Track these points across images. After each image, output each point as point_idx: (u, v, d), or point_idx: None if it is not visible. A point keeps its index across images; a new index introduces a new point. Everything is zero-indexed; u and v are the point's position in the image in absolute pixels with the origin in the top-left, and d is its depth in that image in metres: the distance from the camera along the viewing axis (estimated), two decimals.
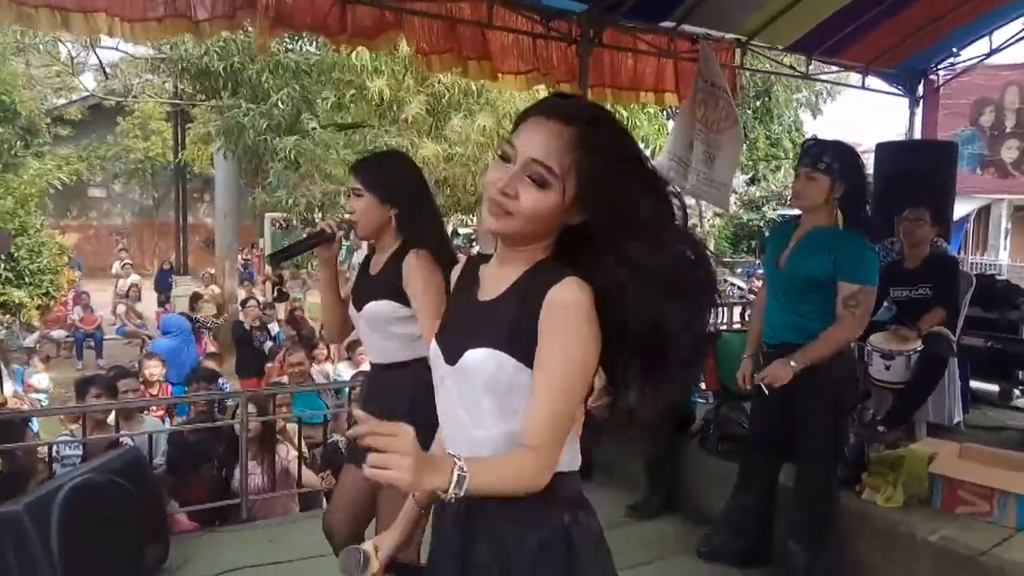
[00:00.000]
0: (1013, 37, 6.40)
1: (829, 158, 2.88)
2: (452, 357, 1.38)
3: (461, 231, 24.81)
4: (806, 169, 2.91)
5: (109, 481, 3.00)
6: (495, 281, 1.39)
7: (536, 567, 1.33)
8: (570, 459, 1.38)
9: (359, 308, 2.39)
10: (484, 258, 1.47)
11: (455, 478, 1.18)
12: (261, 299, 12.46)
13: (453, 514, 1.40)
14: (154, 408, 5.69)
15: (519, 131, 1.31)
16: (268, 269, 15.56)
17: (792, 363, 2.86)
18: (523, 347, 1.30)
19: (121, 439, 3.96)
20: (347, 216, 2.42)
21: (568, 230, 1.34)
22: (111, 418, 4.27)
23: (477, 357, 1.33)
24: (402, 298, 2.28)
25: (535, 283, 1.31)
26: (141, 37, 3.75)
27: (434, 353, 1.44)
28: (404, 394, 2.21)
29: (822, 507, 3.08)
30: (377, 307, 2.31)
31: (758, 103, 18.25)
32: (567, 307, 1.27)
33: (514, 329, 1.31)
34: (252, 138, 8.48)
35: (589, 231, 1.31)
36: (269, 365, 7.42)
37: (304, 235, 2.61)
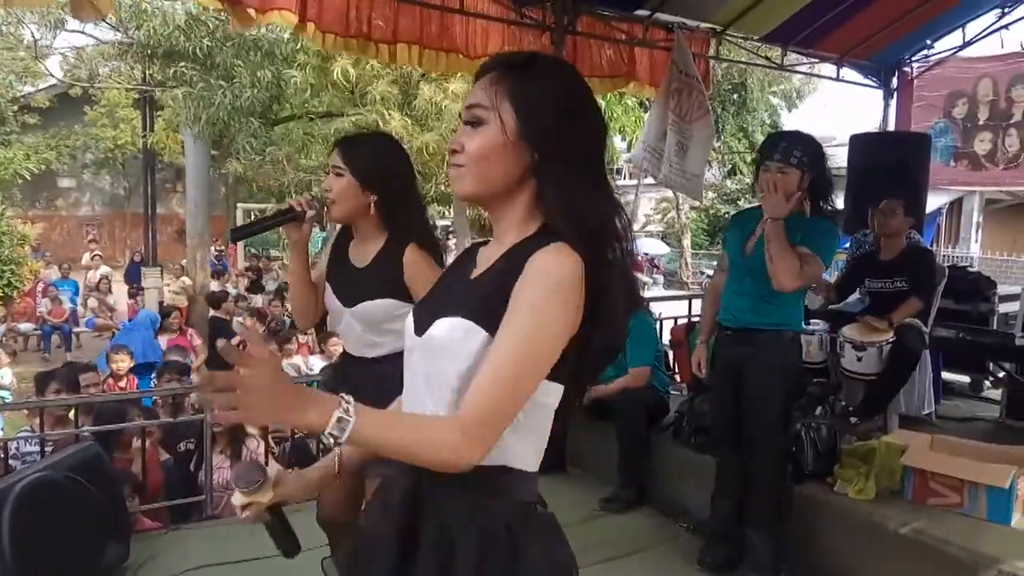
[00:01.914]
0: (986, 29, 6.42)
1: (800, 152, 2.93)
2: (421, 328, 1.27)
3: (440, 223, 24.67)
4: (779, 164, 2.93)
5: (66, 478, 2.91)
6: (486, 259, 1.30)
7: (479, 559, 1.19)
8: (529, 458, 1.25)
9: (348, 304, 2.24)
10: (486, 243, 1.37)
11: (334, 419, 1.06)
12: (233, 292, 12.31)
13: (400, 492, 1.28)
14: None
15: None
16: (241, 264, 15.39)
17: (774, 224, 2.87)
18: (494, 317, 1.18)
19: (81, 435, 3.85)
20: (324, 194, 2.23)
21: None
22: (72, 413, 4.16)
23: (444, 326, 1.21)
24: (403, 294, 2.16)
25: (521, 251, 1.21)
26: None
27: (407, 325, 1.34)
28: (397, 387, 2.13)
29: (775, 494, 3.08)
30: (374, 306, 2.19)
31: (734, 96, 18.30)
32: (544, 272, 1.16)
33: (491, 298, 1.19)
34: (223, 117, 8.33)
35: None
36: None
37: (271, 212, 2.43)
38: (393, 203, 2.19)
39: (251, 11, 3.67)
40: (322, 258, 2.43)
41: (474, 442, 1.12)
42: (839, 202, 6.20)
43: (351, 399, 1.09)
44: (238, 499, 1.37)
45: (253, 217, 14.36)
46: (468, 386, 1.17)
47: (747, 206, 3.13)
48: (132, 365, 6.86)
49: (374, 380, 2.16)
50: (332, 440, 1.07)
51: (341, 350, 2.48)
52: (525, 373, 1.15)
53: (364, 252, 2.24)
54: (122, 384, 6.63)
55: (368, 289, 2.19)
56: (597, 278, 1.20)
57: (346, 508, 2.21)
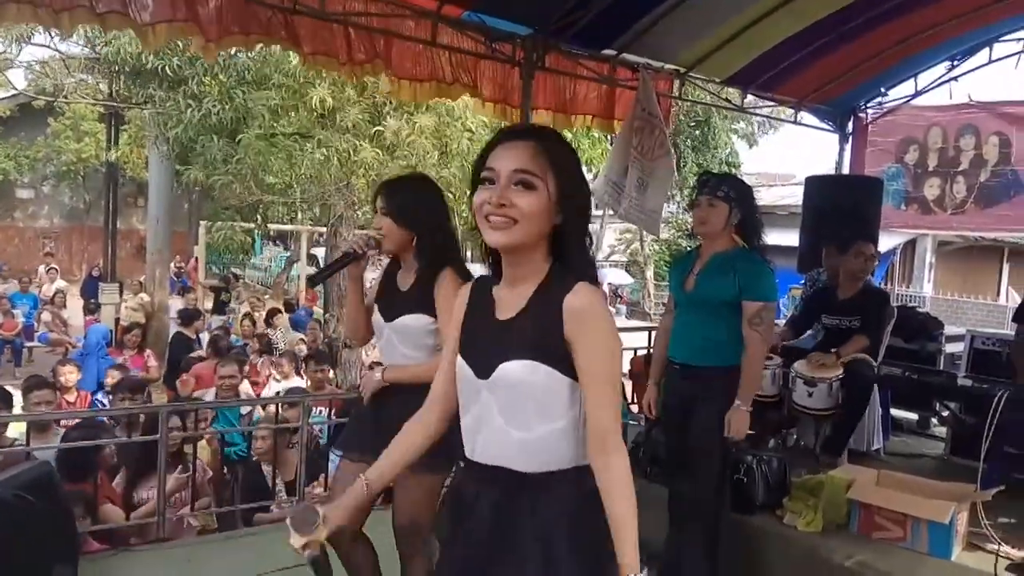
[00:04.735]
0: (937, 80, 6.72)
1: (727, 187, 3.10)
2: (484, 372, 1.57)
3: None
4: (707, 197, 3.10)
5: (14, 496, 2.85)
6: (510, 301, 1.58)
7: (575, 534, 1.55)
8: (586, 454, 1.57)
9: (388, 319, 2.59)
10: (492, 280, 1.65)
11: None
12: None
13: (487, 509, 1.59)
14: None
15: (493, 157, 1.53)
16: (203, 279, 15.17)
17: (742, 406, 3.02)
18: (551, 353, 1.51)
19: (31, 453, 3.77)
20: (377, 233, 2.62)
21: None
22: (17, 430, 4.07)
23: (514, 368, 1.52)
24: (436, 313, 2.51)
25: (550, 295, 1.53)
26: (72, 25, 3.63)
27: (462, 369, 1.63)
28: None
29: (712, 525, 3.13)
30: (411, 320, 2.53)
31: (697, 133, 18.67)
32: (588, 311, 1.49)
33: (541, 339, 1.51)
34: (191, 135, 8.26)
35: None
36: (183, 377, 7.07)
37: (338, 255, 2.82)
38: (429, 236, 2.54)
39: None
40: (373, 286, 2.80)
41: (624, 451, 1.54)
42: (794, 240, 6.43)
43: (626, 565, 1.52)
44: (296, 540, 1.57)
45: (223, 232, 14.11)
46: (539, 407, 1.53)
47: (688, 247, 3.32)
48: (80, 378, 6.73)
49: (401, 393, 2.48)
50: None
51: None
52: (618, 391, 1.56)
53: (407, 278, 2.61)
54: (70, 398, 6.48)
55: (406, 307, 2.56)
56: None
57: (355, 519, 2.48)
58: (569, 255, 1.55)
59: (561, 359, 1.51)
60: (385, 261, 2.82)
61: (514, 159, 1.50)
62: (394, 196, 2.59)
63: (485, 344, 1.60)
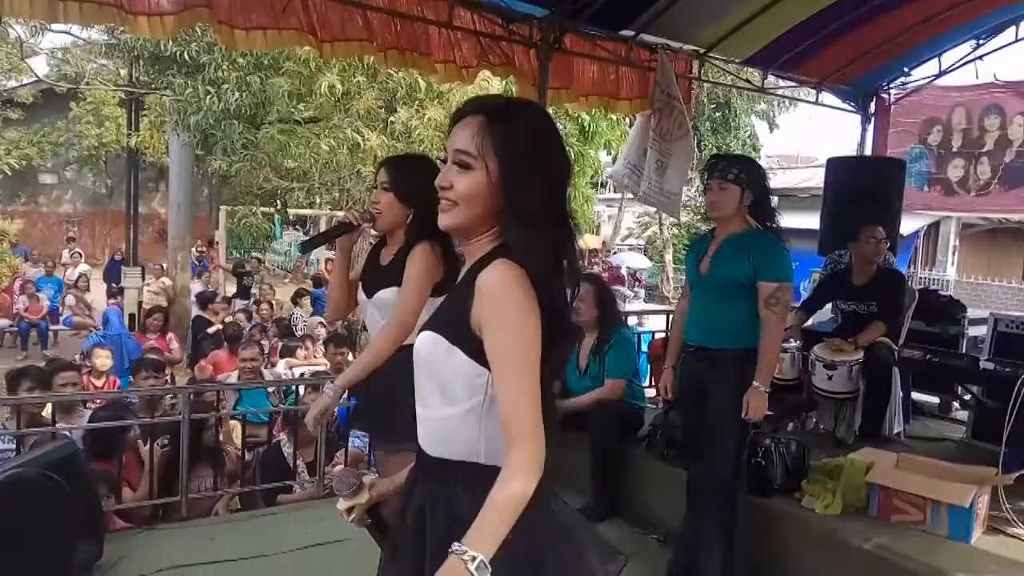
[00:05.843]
0: (961, 60, 6.59)
1: (737, 170, 3.06)
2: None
3: None
4: (718, 180, 3.06)
5: (41, 475, 2.91)
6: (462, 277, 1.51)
7: (446, 538, 1.34)
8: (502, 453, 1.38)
9: (369, 295, 2.62)
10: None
11: (474, 571, 1.22)
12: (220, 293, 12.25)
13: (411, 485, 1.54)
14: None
15: (450, 136, 1.47)
16: (223, 264, 15.31)
17: (760, 387, 2.99)
18: (454, 330, 1.40)
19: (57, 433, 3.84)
20: (373, 208, 2.62)
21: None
22: (47, 411, 4.14)
23: (421, 339, 1.46)
24: None
25: (474, 271, 1.42)
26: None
27: None
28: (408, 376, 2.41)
29: (727, 507, 3.12)
30: (386, 294, 2.55)
31: (717, 115, 18.49)
32: (492, 288, 1.36)
33: (450, 315, 1.43)
34: (206, 120, 8.33)
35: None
36: (201, 363, 7.17)
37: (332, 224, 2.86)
38: (425, 213, 2.44)
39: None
40: (359, 263, 2.81)
41: (535, 446, 1.33)
42: (816, 223, 6.36)
43: (462, 547, 1.24)
44: (341, 504, 1.60)
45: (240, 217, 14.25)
46: (439, 387, 1.43)
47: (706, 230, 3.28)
48: (112, 364, 6.82)
49: (385, 368, 2.47)
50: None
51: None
52: (533, 376, 1.35)
53: (389, 254, 2.63)
54: (100, 383, 6.58)
55: (384, 281, 2.58)
56: (548, 289, 1.39)
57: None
58: (510, 237, 1.41)
59: (464, 338, 1.39)
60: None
61: (457, 139, 1.43)
62: (397, 172, 2.59)
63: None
